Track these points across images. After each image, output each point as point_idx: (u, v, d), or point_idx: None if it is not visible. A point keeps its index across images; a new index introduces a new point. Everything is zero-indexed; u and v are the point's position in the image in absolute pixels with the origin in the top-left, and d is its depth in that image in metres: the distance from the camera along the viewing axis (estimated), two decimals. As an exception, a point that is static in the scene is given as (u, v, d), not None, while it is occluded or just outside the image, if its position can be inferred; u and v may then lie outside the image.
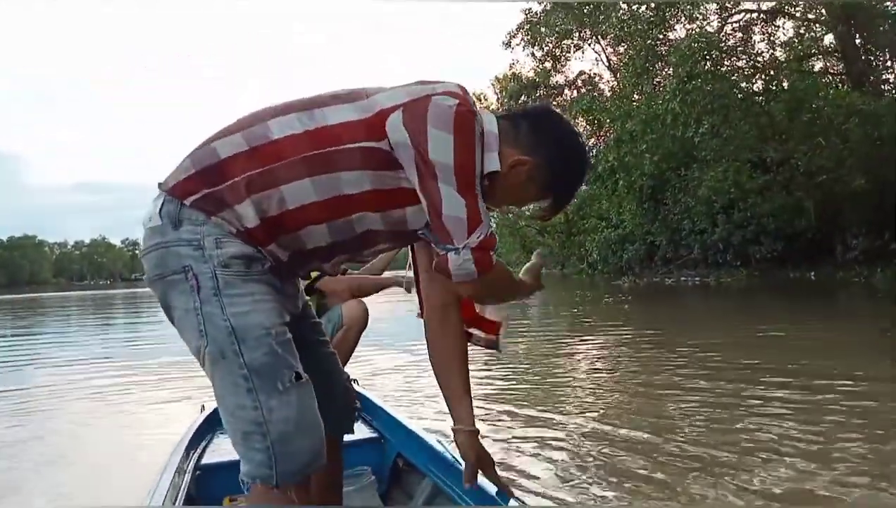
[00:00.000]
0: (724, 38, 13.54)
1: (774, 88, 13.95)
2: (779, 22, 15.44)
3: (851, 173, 12.18)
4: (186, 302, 1.18)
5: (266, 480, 1.17)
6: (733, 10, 15.19)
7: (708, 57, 12.29)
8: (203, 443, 2.28)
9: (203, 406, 2.58)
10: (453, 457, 1.76)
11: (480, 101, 37.48)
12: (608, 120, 15.14)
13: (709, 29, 14.06)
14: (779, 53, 14.73)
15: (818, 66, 16.25)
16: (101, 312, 20.98)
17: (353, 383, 2.69)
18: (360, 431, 2.37)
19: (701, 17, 14.89)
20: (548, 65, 22.08)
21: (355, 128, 1.19)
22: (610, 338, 7.78)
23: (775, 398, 3.78)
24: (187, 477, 1.89)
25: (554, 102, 28.46)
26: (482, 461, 1.47)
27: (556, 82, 26.40)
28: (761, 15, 15.44)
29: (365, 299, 3.08)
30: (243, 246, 1.18)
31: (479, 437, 1.48)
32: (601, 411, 3.79)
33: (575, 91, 25.47)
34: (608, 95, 18.36)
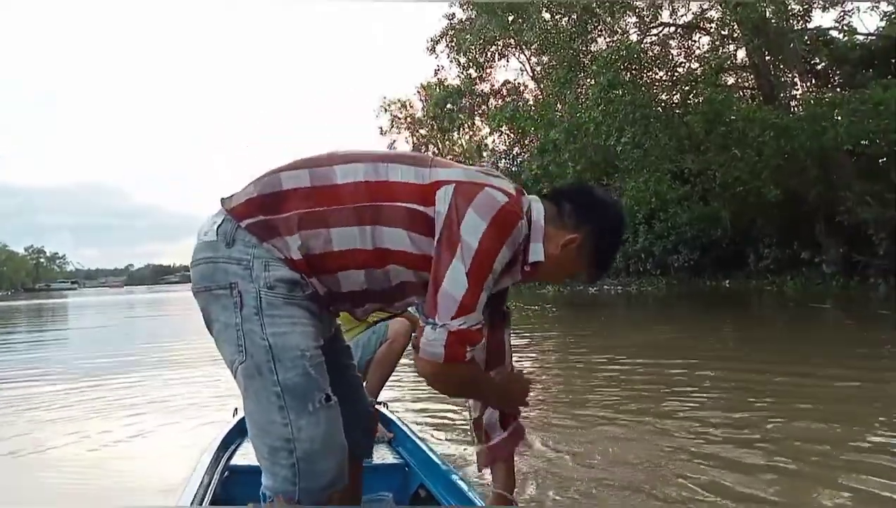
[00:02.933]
0: (643, 50, 13.64)
1: (692, 100, 14.21)
2: (695, 37, 15.80)
3: (766, 185, 12.48)
4: (228, 317, 1.25)
5: (289, 496, 1.21)
6: (651, 25, 15.44)
7: (629, 67, 12.34)
8: (233, 446, 2.33)
9: (236, 410, 2.59)
10: (476, 495, 1.80)
11: (406, 108, 37.10)
12: (532, 129, 15.02)
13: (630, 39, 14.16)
14: (695, 67, 15.01)
15: (731, 81, 16.76)
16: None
17: (382, 406, 2.73)
18: (386, 456, 2.41)
19: (621, 31, 15.05)
20: (472, 72, 21.91)
21: (411, 190, 1.25)
22: (547, 342, 7.92)
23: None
24: (215, 479, 1.94)
25: (479, 111, 28.44)
26: None
27: (482, 91, 26.35)
28: (678, 29, 15.76)
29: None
30: (289, 271, 1.24)
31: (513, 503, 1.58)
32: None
33: (500, 100, 25.48)
34: (532, 104, 18.31)
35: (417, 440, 2.45)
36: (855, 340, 7.15)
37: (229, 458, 2.23)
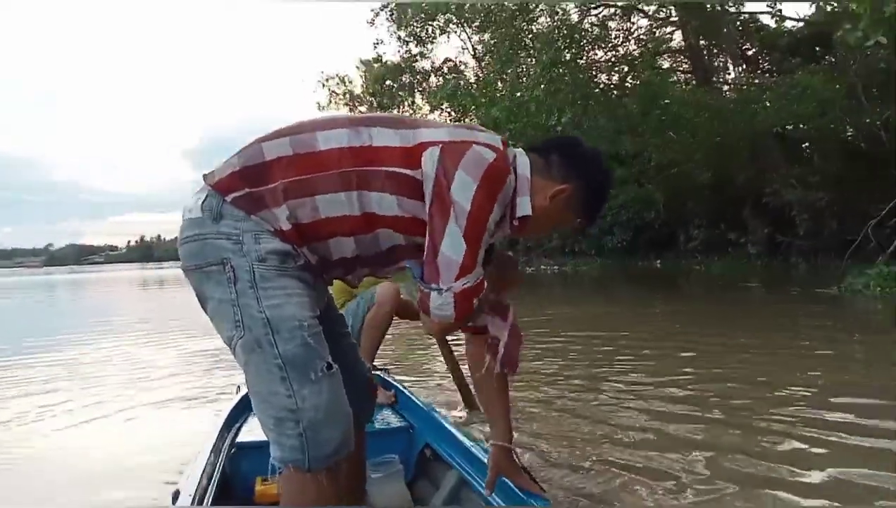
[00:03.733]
0: (584, 30, 13.69)
1: (630, 82, 14.41)
2: (634, 18, 15.99)
3: (698, 168, 12.80)
4: (223, 293, 1.24)
5: (298, 464, 1.22)
6: (592, 5, 15.52)
7: (569, 46, 12.35)
8: (238, 423, 2.34)
9: (238, 387, 2.63)
10: (480, 451, 1.85)
11: (345, 83, 36.29)
12: (473, 107, 14.90)
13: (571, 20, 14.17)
14: (634, 49, 15.21)
15: (667, 64, 17.11)
16: None
17: (383, 371, 2.78)
18: (390, 419, 2.46)
19: (562, 12, 15.06)
20: (413, 47, 21.55)
21: (395, 153, 1.25)
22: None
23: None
24: (223, 456, 1.95)
25: (420, 88, 28.09)
26: (508, 471, 1.56)
27: (422, 68, 26.00)
28: (617, 11, 15.91)
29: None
30: (280, 243, 1.25)
31: (513, 452, 1.59)
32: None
33: (440, 78, 25.19)
34: (473, 82, 18.17)
35: (420, 403, 2.50)
36: (775, 315, 7.56)
37: (235, 435, 2.24)
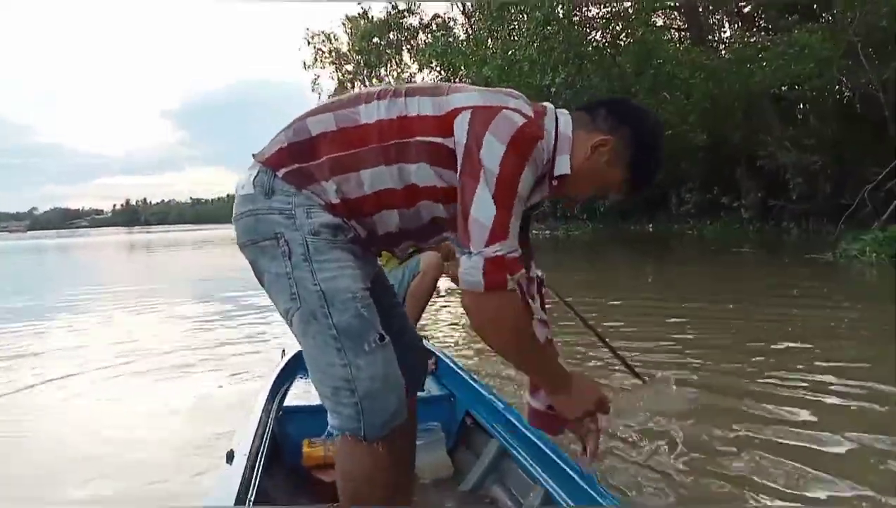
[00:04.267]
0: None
1: (623, 40, 14.02)
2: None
3: (693, 129, 12.55)
4: (278, 267, 1.27)
5: (355, 432, 1.26)
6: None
7: (563, 1, 11.92)
8: (284, 387, 2.40)
9: (283, 351, 2.72)
10: (520, 421, 1.83)
11: (330, 41, 35.36)
12: (463, 65, 14.48)
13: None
14: (627, 5, 14.75)
15: (661, 22, 16.67)
16: None
17: (423, 340, 2.81)
18: (431, 388, 2.46)
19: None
20: (400, 2, 20.87)
21: (429, 123, 1.26)
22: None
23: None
24: (271, 419, 2.02)
25: (408, 46, 27.39)
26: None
27: (410, 25, 25.26)
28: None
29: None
30: (331, 216, 1.27)
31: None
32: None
33: (429, 35, 24.51)
34: (463, 40, 17.64)
35: (460, 371, 2.51)
36: (762, 280, 7.60)
37: (282, 399, 2.29)
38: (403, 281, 3.06)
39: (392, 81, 33.79)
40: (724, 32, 15.56)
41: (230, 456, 1.63)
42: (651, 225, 17.69)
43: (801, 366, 3.49)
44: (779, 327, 4.64)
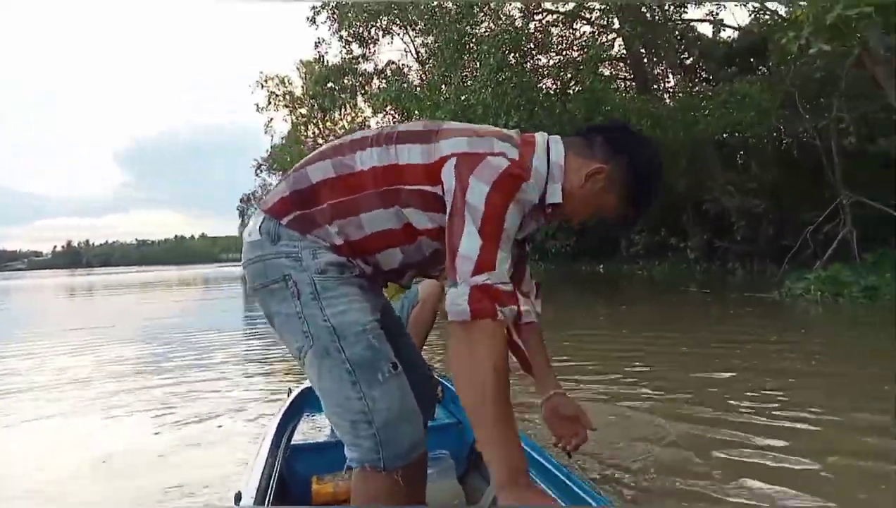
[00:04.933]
0: (528, 35, 13.63)
1: (573, 88, 14.45)
2: (577, 25, 16.10)
3: (641, 173, 12.86)
4: (288, 308, 1.32)
5: (374, 464, 1.27)
6: (535, 11, 15.53)
7: (515, 50, 12.24)
8: (291, 425, 2.39)
9: (290, 390, 2.74)
10: (528, 443, 1.82)
11: (285, 84, 35.39)
12: (417, 110, 14.63)
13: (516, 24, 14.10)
14: (576, 55, 15.27)
15: (608, 72, 17.30)
16: None
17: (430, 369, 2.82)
18: (439, 415, 2.44)
19: (505, 17, 15.00)
20: (355, 48, 21.12)
21: (418, 171, 1.30)
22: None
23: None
24: (279, 457, 2.03)
25: (362, 91, 27.62)
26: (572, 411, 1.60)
27: (365, 70, 25.54)
28: (561, 17, 15.99)
29: None
30: (336, 256, 1.33)
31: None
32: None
33: (384, 81, 24.80)
34: (417, 85, 17.90)
35: None
36: (712, 318, 7.89)
37: (290, 437, 2.30)
38: (403, 311, 3.05)
39: (346, 125, 33.96)
40: (668, 82, 16.23)
41: (238, 498, 1.63)
42: (602, 266, 17.98)
43: (754, 393, 3.80)
44: (728, 360, 4.89)
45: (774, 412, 3.41)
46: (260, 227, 1.35)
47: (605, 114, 13.03)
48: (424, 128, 1.37)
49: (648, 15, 14.73)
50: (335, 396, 1.29)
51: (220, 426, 3.70)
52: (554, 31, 15.87)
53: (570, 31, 16.28)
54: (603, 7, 14.78)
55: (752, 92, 11.18)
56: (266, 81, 34.05)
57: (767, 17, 13.08)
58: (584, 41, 15.78)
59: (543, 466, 1.78)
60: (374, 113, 22.08)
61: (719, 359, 4.98)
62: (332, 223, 1.32)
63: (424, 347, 3.25)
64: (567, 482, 1.65)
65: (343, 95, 28.14)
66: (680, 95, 13.41)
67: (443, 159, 1.28)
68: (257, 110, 33.98)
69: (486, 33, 13.71)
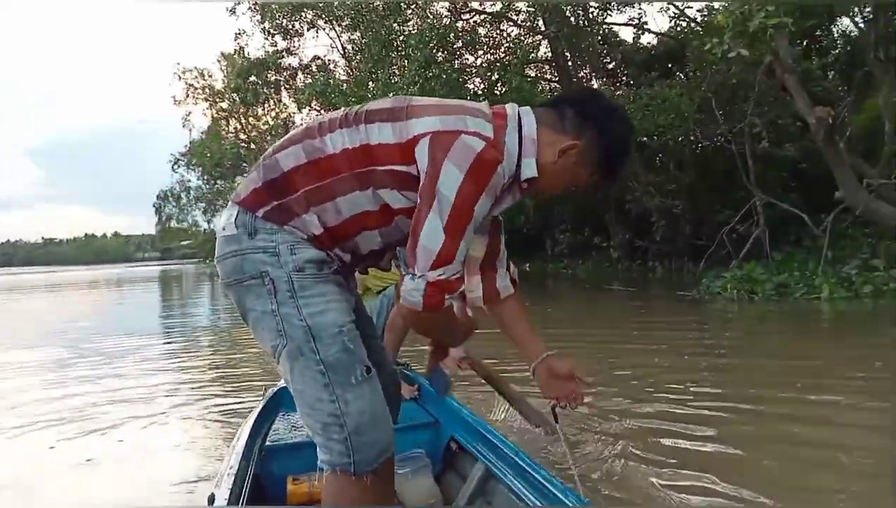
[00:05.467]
0: (456, 34, 13.57)
1: (499, 89, 14.51)
2: (504, 26, 16.19)
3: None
4: (264, 305, 1.29)
5: (345, 468, 1.28)
6: (462, 11, 15.50)
7: (442, 48, 12.13)
8: (266, 425, 2.36)
9: (265, 389, 2.73)
10: (505, 443, 1.93)
11: (203, 77, 33.98)
12: (343, 106, 14.29)
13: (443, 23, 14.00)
14: (503, 56, 15.35)
15: (533, 74, 17.51)
16: None
17: (405, 366, 2.91)
18: (415, 414, 2.49)
19: (433, 16, 14.89)
20: (279, 40, 20.49)
21: (391, 151, 1.27)
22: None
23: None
24: (254, 458, 2.00)
25: (286, 86, 26.86)
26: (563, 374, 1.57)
27: (289, 65, 24.84)
28: (487, 17, 16.03)
29: None
30: (315, 251, 1.31)
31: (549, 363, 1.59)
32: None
33: (309, 77, 24.17)
34: (343, 81, 17.50)
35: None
36: (635, 314, 8.09)
37: (265, 437, 2.26)
38: (382, 311, 2.97)
39: (270, 121, 32.94)
40: (592, 85, 16.56)
41: (211, 499, 1.60)
42: (528, 265, 18.21)
43: (678, 385, 3.99)
44: (650, 355, 5.11)
45: (699, 402, 3.63)
46: (235, 220, 1.32)
47: (531, 114, 13.11)
48: (394, 105, 1.32)
49: (573, 19, 14.98)
50: (307, 397, 1.28)
51: (121, 441, 3.43)
52: (481, 31, 15.90)
53: (498, 31, 16.36)
54: (529, 9, 14.92)
55: (672, 96, 11.55)
56: (184, 72, 32.59)
57: (685, 23, 13.55)
58: (512, 42, 15.91)
59: (521, 467, 1.78)
60: (300, 109, 21.47)
61: (642, 354, 5.16)
62: (308, 212, 1.29)
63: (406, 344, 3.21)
64: (545, 483, 1.64)
65: (266, 90, 27.32)
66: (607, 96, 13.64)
67: (416, 138, 1.25)
68: (174, 103, 32.48)
69: (414, 31, 13.55)
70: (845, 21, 14.65)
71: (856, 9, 12.77)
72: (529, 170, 1.31)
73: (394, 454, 1.56)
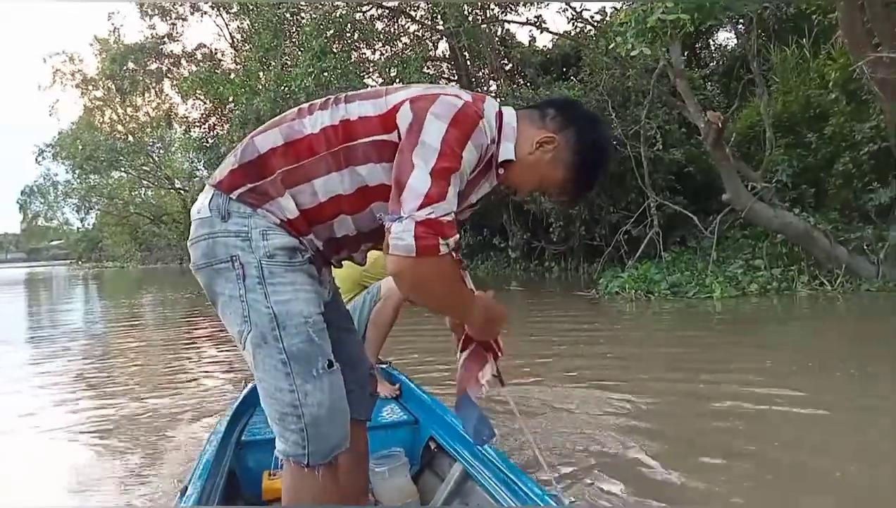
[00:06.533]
0: (354, 22, 13.05)
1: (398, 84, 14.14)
2: (402, 21, 15.85)
3: (467, 173, 12.92)
4: (232, 289, 1.30)
5: (298, 459, 1.30)
6: (360, 3, 15.02)
7: (338, 38, 11.60)
8: (244, 419, 2.38)
9: (244, 382, 2.81)
10: (498, 453, 1.87)
11: (73, 61, 31.21)
12: (232, 96, 13.40)
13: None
14: (402, 51, 15.00)
15: (432, 71, 17.31)
16: None
17: (387, 364, 3.09)
18: (395, 413, 2.52)
19: (328, 4, 14.30)
20: (158, 22, 19.08)
21: (372, 123, 1.29)
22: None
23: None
24: (229, 452, 2.00)
25: (169, 75, 25.18)
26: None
27: (172, 52, 23.26)
28: (385, 12, 15.63)
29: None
30: (288, 237, 1.31)
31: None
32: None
33: (193, 65, 22.72)
34: (232, 70, 16.49)
35: (424, 396, 2.51)
36: (534, 315, 8.16)
37: (241, 431, 2.24)
38: (364, 309, 2.95)
39: (151, 111, 30.79)
40: (491, 86, 16.60)
41: (183, 492, 1.59)
42: (429, 266, 18.07)
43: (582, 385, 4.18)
44: (549, 350, 5.42)
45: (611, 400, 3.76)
46: (209, 203, 1.31)
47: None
48: (376, 89, 1.35)
49: (471, 18, 14.89)
50: (268, 385, 1.29)
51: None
52: (379, 25, 15.47)
53: (396, 26, 16.00)
54: (428, 6, 14.68)
55: (572, 96, 11.67)
56: (50, 56, 29.82)
57: (582, 25, 13.82)
58: (410, 39, 15.61)
59: (498, 469, 1.78)
60: (184, 99, 20.08)
61: (543, 353, 5.32)
62: (284, 194, 1.28)
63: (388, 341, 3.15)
64: (521, 485, 1.65)
65: (147, 79, 25.49)
66: (507, 97, 13.65)
67: (396, 106, 1.26)
68: (39, 89, 29.66)
69: (308, 21, 12.91)
70: (722, 35, 15.65)
71: (730, 24, 13.61)
72: (508, 152, 1.32)
73: (366, 454, 1.64)
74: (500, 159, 1.32)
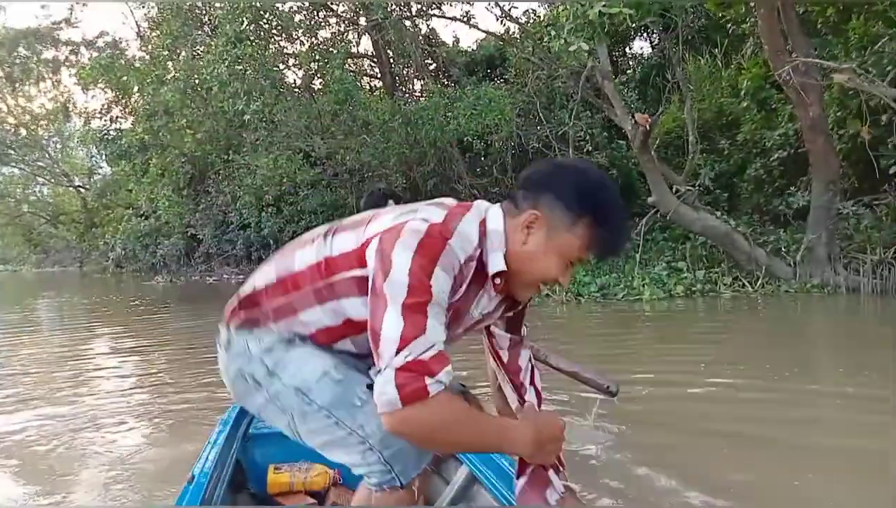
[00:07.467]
0: (272, 10, 12.38)
1: (318, 81, 13.65)
2: (322, 14, 15.27)
3: (392, 173, 12.63)
4: (260, 399, 1.35)
5: (391, 483, 1.31)
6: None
7: (256, 24, 10.94)
8: (248, 415, 2.37)
9: None
10: (503, 462, 1.88)
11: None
12: (136, 86, 12.44)
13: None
14: (321, 45, 14.44)
15: (354, 68, 16.82)
16: None
17: None
18: None
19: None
20: (54, 8, 17.59)
21: (350, 258, 1.27)
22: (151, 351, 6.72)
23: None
24: (236, 444, 2.05)
25: (67, 64, 23.42)
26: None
27: (70, 39, 21.58)
28: (305, 4, 15.02)
29: None
30: (281, 335, 1.34)
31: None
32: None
33: (95, 53, 21.14)
34: (137, 59, 15.36)
35: None
36: None
37: (248, 424, 2.24)
38: None
39: (47, 103, 28.59)
40: (416, 86, 16.33)
41: (190, 481, 1.64)
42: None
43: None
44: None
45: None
46: (218, 340, 1.40)
47: (350, 112, 12.45)
48: (363, 216, 1.34)
49: (394, 14, 14.55)
50: (334, 444, 1.31)
51: None
52: (297, 17, 14.82)
53: (316, 18, 15.39)
54: (351, 2, 14.22)
55: (498, 96, 11.57)
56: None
57: (509, 23, 13.79)
58: (332, 33, 15.06)
59: (505, 473, 1.77)
60: (84, 90, 18.53)
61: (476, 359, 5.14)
62: (278, 322, 1.33)
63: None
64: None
65: (41, 68, 23.59)
66: (429, 96, 13.40)
67: (368, 240, 1.25)
68: None
69: (221, 6, 12.15)
70: (638, 43, 16.09)
71: (646, 33, 13.99)
72: (497, 263, 1.25)
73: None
74: (491, 272, 1.25)
